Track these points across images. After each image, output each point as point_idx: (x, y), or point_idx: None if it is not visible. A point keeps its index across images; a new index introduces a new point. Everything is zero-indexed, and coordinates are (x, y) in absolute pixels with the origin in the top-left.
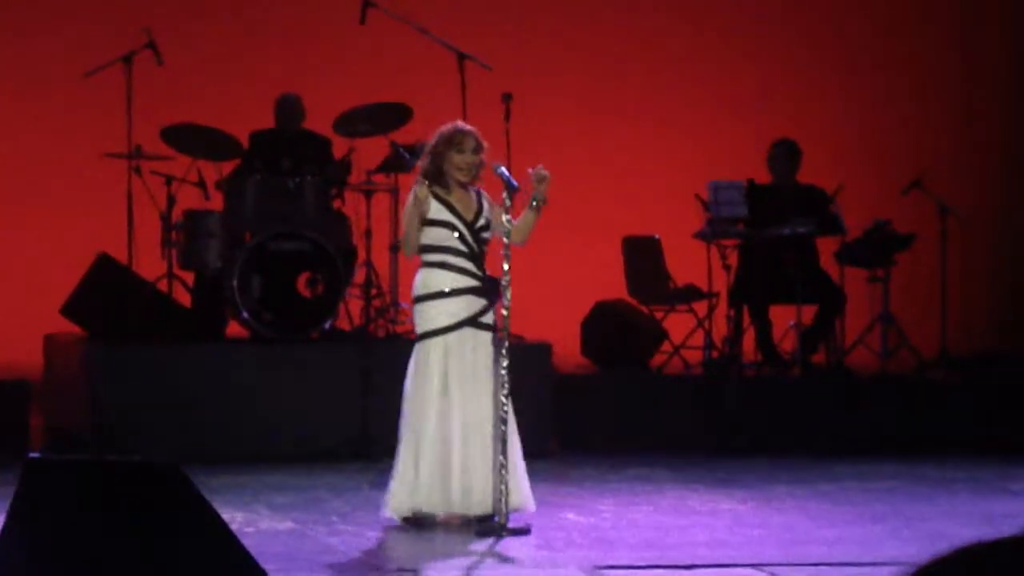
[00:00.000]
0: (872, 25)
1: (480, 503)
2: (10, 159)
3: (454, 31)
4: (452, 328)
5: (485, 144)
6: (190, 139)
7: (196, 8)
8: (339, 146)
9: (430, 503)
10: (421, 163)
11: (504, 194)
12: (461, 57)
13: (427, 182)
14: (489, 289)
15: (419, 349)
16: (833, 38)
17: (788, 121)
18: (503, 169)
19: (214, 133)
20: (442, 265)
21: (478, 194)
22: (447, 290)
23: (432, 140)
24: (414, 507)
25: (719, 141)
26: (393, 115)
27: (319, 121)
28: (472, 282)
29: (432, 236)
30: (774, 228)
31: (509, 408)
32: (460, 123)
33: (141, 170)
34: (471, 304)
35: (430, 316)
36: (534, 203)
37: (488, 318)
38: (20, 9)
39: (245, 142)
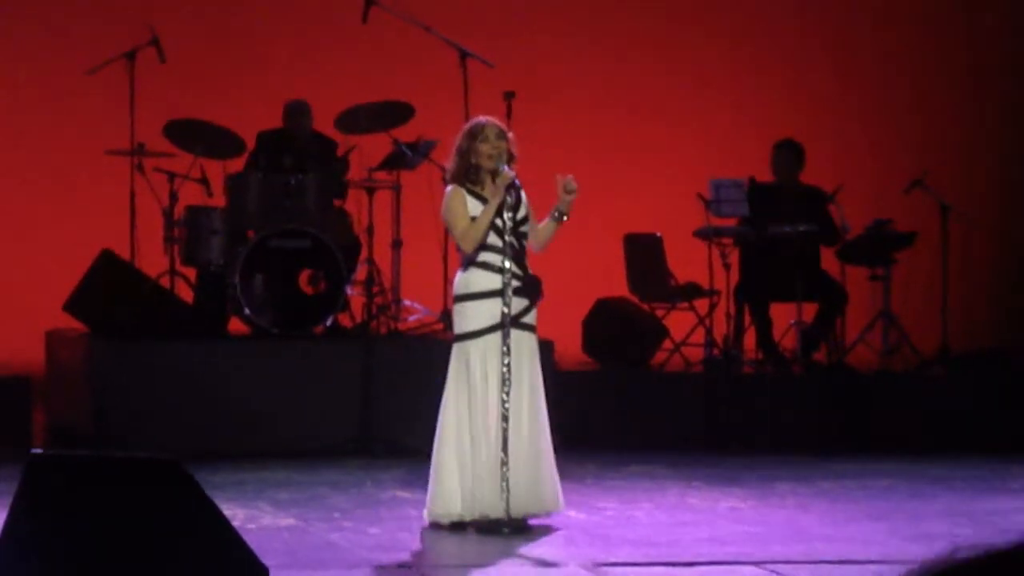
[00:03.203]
0: (874, 23)
1: (525, 504)
2: (13, 155)
3: (456, 29)
4: (491, 329)
5: (509, 132)
6: (192, 136)
7: (199, 5)
8: (341, 143)
9: (484, 509)
10: (449, 166)
11: (506, 191)
12: (463, 55)
13: (457, 182)
14: (530, 288)
15: (457, 350)
16: (835, 36)
17: (790, 119)
18: (506, 167)
19: (217, 130)
20: (483, 265)
21: (515, 186)
22: (489, 291)
23: (456, 140)
24: (471, 514)
25: (721, 139)
26: (395, 113)
27: (321, 118)
28: (512, 282)
29: None
30: (775, 227)
31: (510, 404)
32: (479, 116)
33: (144, 167)
34: (512, 305)
35: (469, 317)
36: (556, 215)
37: (529, 318)
38: (23, 5)
39: (252, 140)
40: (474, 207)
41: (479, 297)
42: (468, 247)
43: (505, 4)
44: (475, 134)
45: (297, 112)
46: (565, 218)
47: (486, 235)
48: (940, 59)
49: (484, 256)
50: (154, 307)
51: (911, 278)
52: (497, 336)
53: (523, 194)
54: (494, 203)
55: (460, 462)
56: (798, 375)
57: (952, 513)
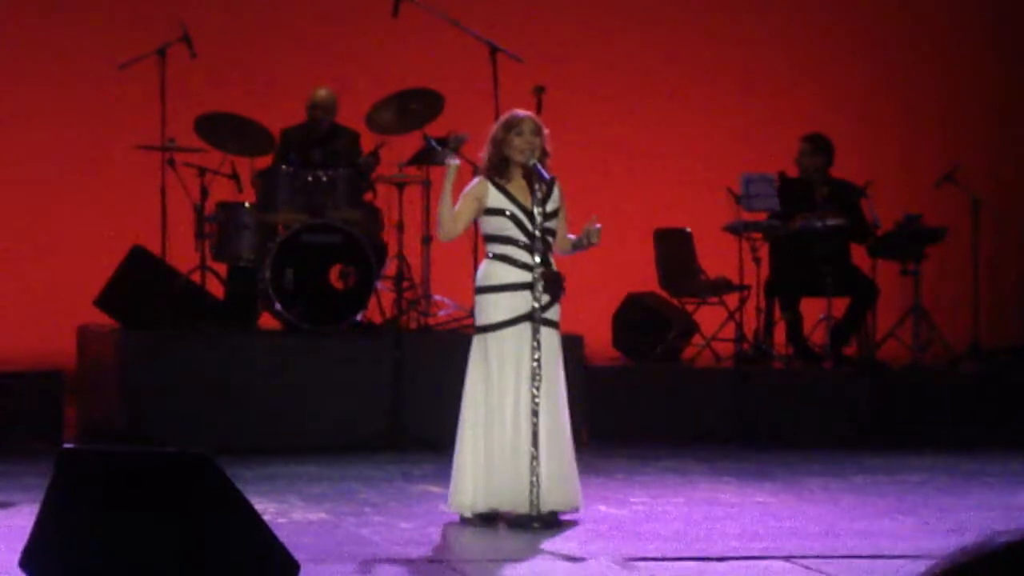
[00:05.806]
0: (904, 17)
1: (547, 499)
2: (44, 151)
3: (486, 24)
4: (511, 323)
5: (545, 129)
6: (222, 131)
7: (229, 2)
8: (371, 141)
9: (500, 501)
10: (483, 154)
11: (536, 186)
12: (493, 50)
13: (480, 169)
14: (552, 284)
15: (477, 342)
16: (865, 31)
17: (820, 114)
18: (534, 161)
19: (247, 124)
20: (504, 258)
21: (550, 182)
22: (507, 284)
23: (492, 129)
24: (487, 504)
25: (751, 134)
26: (423, 103)
27: (350, 113)
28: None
29: (493, 225)
30: (805, 221)
31: (540, 400)
32: (517, 110)
33: (175, 162)
34: (532, 300)
35: (489, 310)
36: (582, 243)
37: (552, 314)
38: (54, 2)
39: (277, 137)
40: (498, 200)
41: (499, 290)
42: (436, 230)
43: None
44: (511, 126)
45: (320, 101)
46: (586, 248)
47: (463, 227)
48: (970, 53)
49: (506, 249)
50: (185, 302)
51: (942, 273)
52: (516, 330)
53: (556, 189)
54: (445, 193)
55: (475, 453)
56: (828, 370)
57: (984, 507)
